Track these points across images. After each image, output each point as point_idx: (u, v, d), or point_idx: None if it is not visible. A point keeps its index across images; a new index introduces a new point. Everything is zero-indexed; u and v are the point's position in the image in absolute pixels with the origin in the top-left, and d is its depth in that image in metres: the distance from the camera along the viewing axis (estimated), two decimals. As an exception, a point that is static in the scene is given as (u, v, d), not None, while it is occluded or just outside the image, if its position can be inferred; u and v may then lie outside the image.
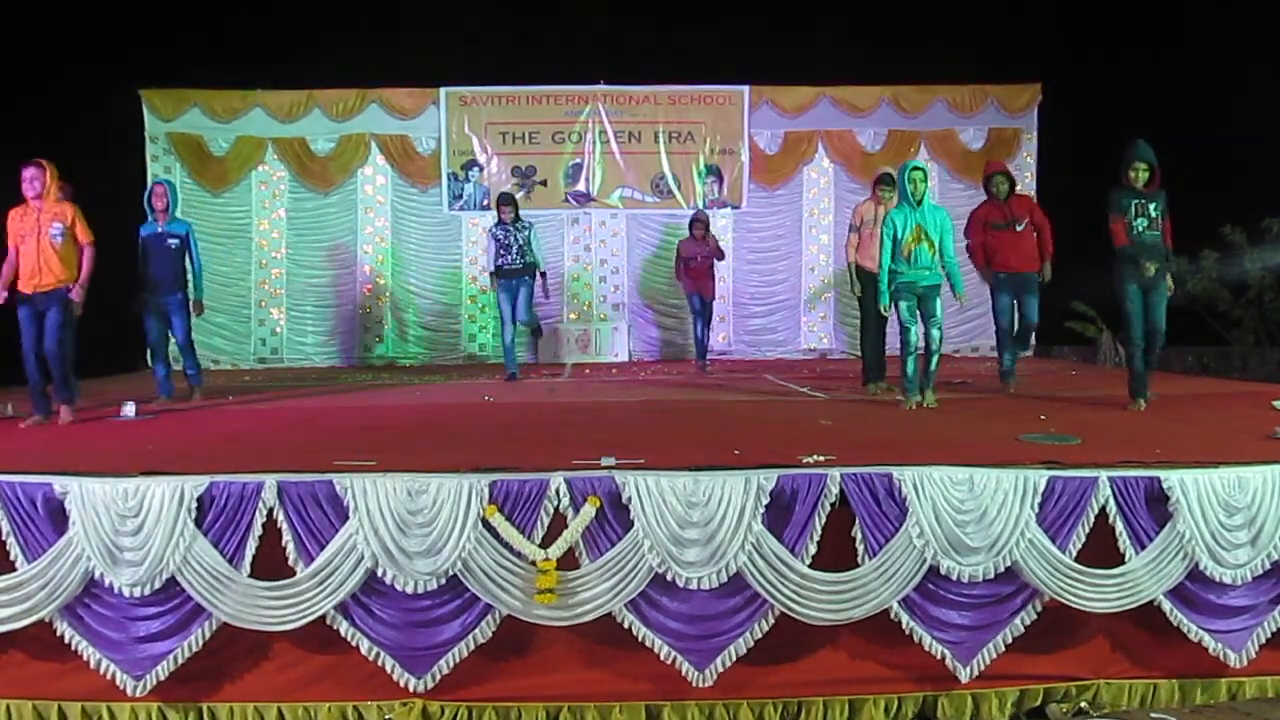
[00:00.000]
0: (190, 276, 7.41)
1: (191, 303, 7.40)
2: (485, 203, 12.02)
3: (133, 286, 7.26)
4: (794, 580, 3.95)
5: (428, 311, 12.33)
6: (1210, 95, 10.37)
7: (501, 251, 9.10)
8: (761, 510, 3.96)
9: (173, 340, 7.46)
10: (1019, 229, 7.45)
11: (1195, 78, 10.52)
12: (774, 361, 11.84)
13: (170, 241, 7.17)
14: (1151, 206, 6.15)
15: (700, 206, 11.95)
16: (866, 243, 7.61)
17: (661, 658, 4.01)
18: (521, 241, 9.09)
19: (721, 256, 10.64)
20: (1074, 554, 4.03)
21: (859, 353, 12.06)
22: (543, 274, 9.25)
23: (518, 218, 9.24)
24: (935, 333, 6.34)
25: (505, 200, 9.35)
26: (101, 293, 6.40)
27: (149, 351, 7.42)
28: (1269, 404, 6.08)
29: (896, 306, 6.42)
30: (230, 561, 3.92)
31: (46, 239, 6.05)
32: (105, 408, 6.62)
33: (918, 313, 6.36)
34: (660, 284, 12.45)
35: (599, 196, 12.38)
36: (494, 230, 9.23)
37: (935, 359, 6.38)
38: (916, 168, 6.38)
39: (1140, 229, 6.15)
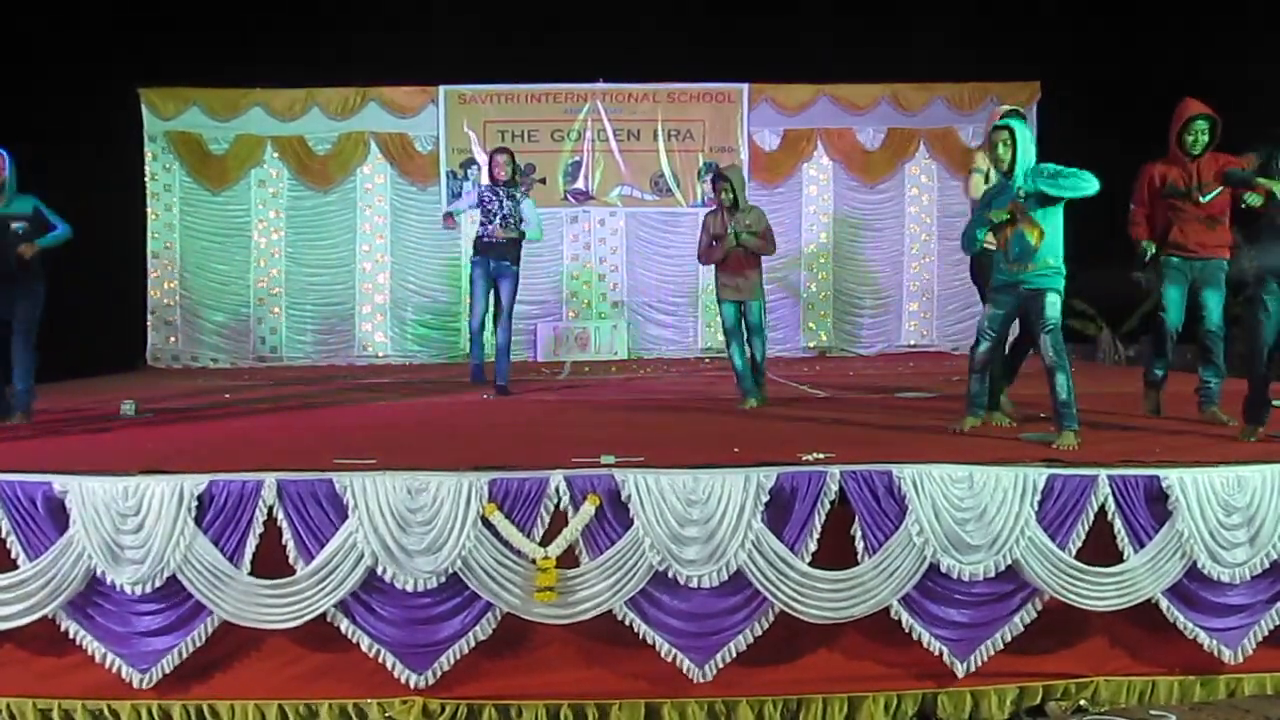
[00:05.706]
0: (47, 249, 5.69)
1: (30, 245, 5.53)
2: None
3: None
4: (794, 578, 3.95)
5: (427, 310, 12.33)
6: (1211, 95, 10.35)
7: (483, 219, 7.27)
8: (761, 508, 3.96)
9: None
10: (1204, 200, 5.39)
11: (1195, 77, 10.48)
12: (774, 360, 11.82)
13: (14, 225, 5.53)
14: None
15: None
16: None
17: (661, 655, 4.01)
18: (508, 210, 7.22)
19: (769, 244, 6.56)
20: (1073, 552, 4.03)
21: (856, 351, 11.79)
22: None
23: (514, 180, 7.37)
24: (1047, 339, 4.73)
25: (501, 151, 7.43)
26: (103, 294, 6.36)
27: None
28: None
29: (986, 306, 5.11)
30: (230, 560, 3.92)
31: None
32: (105, 408, 6.61)
33: (1017, 320, 5.03)
34: (659, 282, 12.45)
35: (598, 195, 12.38)
36: (482, 190, 7.49)
37: (1061, 380, 4.72)
38: (1000, 127, 4.90)
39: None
